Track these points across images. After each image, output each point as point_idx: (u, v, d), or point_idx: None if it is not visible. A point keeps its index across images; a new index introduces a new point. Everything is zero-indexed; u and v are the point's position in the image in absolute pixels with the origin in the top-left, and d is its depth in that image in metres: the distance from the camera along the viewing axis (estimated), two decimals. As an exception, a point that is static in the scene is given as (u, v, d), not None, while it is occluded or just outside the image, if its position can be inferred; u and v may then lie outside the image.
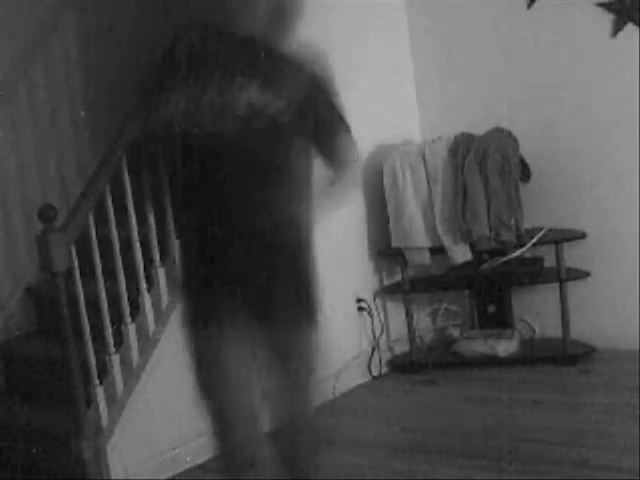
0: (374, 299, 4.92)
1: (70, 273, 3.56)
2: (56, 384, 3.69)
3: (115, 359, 3.71)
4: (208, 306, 2.55)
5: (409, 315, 4.85)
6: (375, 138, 4.88)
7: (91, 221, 3.65)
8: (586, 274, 4.64)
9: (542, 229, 4.66)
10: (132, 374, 3.74)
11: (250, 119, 2.43)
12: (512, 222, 4.57)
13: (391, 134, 4.94)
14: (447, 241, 4.68)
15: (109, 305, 3.71)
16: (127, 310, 3.77)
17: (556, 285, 4.61)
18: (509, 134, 4.65)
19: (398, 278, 4.92)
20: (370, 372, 4.84)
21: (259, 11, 2.46)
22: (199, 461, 3.88)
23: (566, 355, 4.62)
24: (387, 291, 4.98)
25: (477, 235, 4.60)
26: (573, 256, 4.64)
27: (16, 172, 4.53)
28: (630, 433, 3.64)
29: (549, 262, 4.67)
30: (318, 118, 2.57)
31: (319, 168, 2.65)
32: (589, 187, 4.72)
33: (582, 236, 4.62)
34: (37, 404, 4.00)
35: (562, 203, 4.78)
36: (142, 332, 3.80)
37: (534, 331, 4.97)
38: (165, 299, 3.87)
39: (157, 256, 3.88)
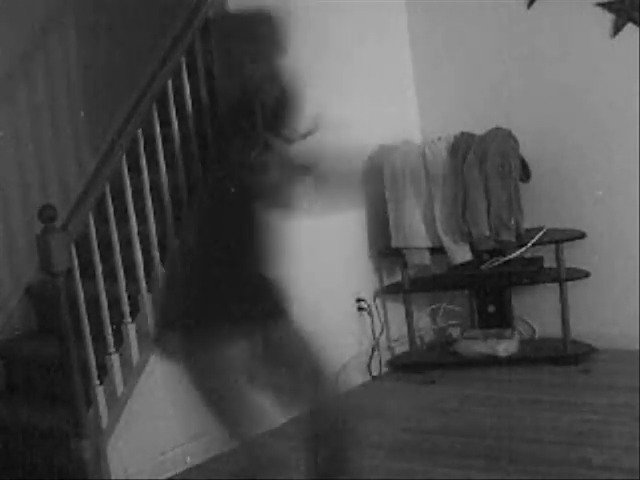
0: (374, 299, 4.92)
1: (70, 273, 3.56)
2: (56, 384, 3.69)
3: (115, 359, 3.71)
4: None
5: (409, 315, 4.85)
6: (375, 138, 4.88)
7: (91, 221, 3.65)
8: (586, 274, 4.64)
9: (542, 229, 4.66)
10: (132, 374, 3.74)
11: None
12: (512, 222, 4.57)
13: (391, 134, 4.93)
14: (447, 241, 4.68)
15: (109, 305, 3.71)
16: (127, 310, 3.77)
17: (556, 285, 4.61)
18: (509, 134, 4.65)
19: (398, 278, 4.92)
20: (370, 372, 4.84)
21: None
22: (199, 461, 3.88)
23: (566, 355, 4.62)
24: (387, 291, 4.97)
25: (477, 235, 4.60)
26: (573, 256, 4.64)
27: (16, 172, 4.53)
28: (630, 433, 3.64)
29: (549, 262, 4.67)
30: None
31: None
32: (589, 187, 4.72)
33: (582, 236, 4.62)
34: (37, 404, 4.00)
35: (562, 203, 4.78)
36: (142, 332, 3.80)
37: (534, 331, 4.97)
38: (165, 299, 3.87)
39: (157, 256, 3.88)
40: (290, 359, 2.78)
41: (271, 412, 2.75)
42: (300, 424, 2.84)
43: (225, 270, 2.64)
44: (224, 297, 2.63)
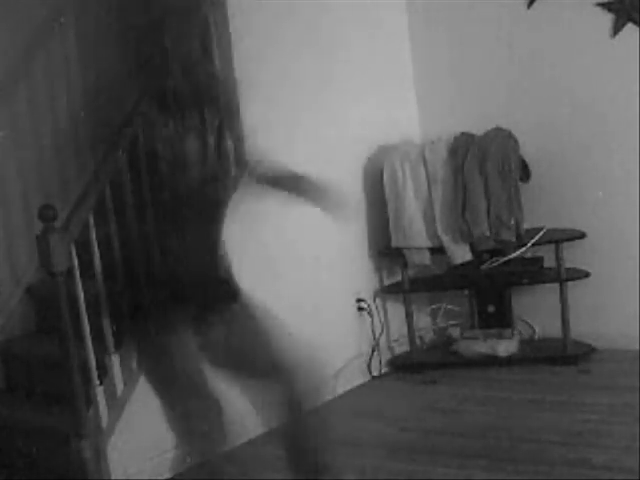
0: (374, 299, 4.92)
1: (70, 273, 3.56)
2: (56, 384, 3.69)
3: (115, 359, 3.71)
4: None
5: (409, 315, 4.85)
6: (375, 138, 4.89)
7: (91, 221, 3.65)
8: (586, 274, 4.64)
9: (542, 229, 4.66)
10: (132, 374, 3.74)
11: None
12: (512, 222, 4.57)
13: (391, 134, 4.94)
14: (447, 241, 4.69)
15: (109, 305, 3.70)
16: (127, 310, 3.76)
17: (556, 285, 4.61)
18: (509, 134, 4.65)
19: (398, 278, 4.92)
20: (370, 372, 4.84)
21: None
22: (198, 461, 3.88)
23: (566, 355, 4.62)
24: (387, 291, 4.98)
25: (477, 235, 4.60)
26: (573, 256, 4.64)
27: (16, 172, 4.53)
28: (630, 433, 3.64)
29: (549, 262, 4.67)
30: None
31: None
32: (589, 187, 4.72)
33: (582, 236, 4.62)
34: (37, 404, 4.00)
35: (562, 203, 4.79)
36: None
37: (534, 331, 4.97)
38: (165, 299, 3.86)
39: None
40: (244, 352, 2.69)
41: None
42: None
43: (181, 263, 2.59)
44: (179, 290, 2.58)
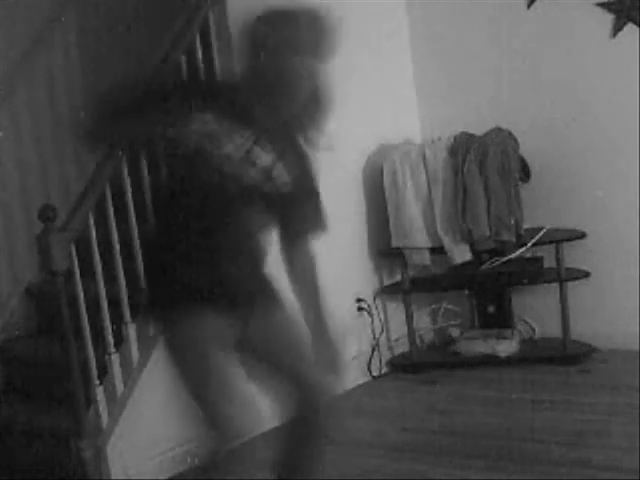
0: (374, 299, 4.92)
1: (70, 273, 3.56)
2: (56, 384, 3.69)
3: (115, 359, 3.71)
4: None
5: (409, 315, 4.85)
6: (375, 138, 4.89)
7: (91, 221, 3.65)
8: (586, 274, 4.64)
9: (542, 229, 4.66)
10: (132, 374, 3.74)
11: (260, 182, 2.57)
12: (512, 222, 4.57)
13: (391, 134, 4.94)
14: (447, 241, 4.68)
15: (109, 305, 3.70)
16: (127, 309, 3.77)
17: (556, 285, 4.61)
18: (509, 134, 4.65)
19: (398, 278, 4.92)
20: (370, 372, 4.84)
21: (300, 95, 2.56)
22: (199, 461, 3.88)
23: (566, 355, 4.62)
24: (387, 291, 4.97)
25: (477, 235, 4.60)
26: (573, 256, 4.64)
27: (16, 172, 4.53)
28: (630, 433, 3.64)
29: (549, 262, 4.67)
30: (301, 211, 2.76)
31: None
32: (589, 187, 4.72)
33: (582, 236, 4.62)
34: (37, 404, 4.00)
35: (562, 203, 4.78)
36: (142, 332, 3.79)
37: (534, 331, 4.97)
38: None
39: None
40: (273, 353, 2.69)
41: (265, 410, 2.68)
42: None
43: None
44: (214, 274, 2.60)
